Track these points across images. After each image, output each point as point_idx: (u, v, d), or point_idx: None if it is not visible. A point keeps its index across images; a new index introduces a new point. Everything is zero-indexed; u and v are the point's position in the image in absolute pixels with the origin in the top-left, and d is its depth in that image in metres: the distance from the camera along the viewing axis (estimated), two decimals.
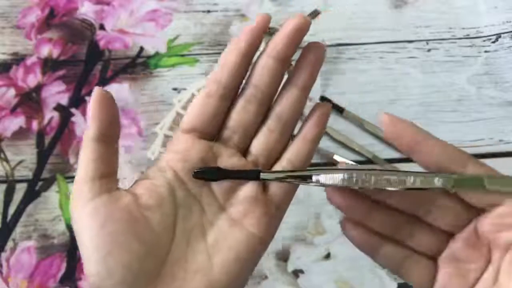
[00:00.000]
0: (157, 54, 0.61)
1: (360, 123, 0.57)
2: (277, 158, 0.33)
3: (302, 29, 0.31)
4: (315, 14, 0.63)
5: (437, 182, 0.30)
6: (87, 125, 0.30)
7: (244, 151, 0.33)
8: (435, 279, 0.32)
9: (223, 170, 0.32)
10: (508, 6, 0.63)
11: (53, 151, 0.56)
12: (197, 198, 0.32)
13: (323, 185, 0.30)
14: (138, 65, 0.61)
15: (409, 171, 0.30)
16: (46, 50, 0.61)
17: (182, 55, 0.61)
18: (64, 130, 0.57)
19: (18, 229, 0.53)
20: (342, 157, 0.55)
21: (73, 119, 0.58)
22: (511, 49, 0.61)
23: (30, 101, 0.59)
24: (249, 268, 0.32)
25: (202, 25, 0.62)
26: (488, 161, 0.57)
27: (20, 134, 0.57)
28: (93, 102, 0.30)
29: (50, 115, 0.58)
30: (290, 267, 0.52)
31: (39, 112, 0.58)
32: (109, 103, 0.31)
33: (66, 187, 0.55)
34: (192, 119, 0.32)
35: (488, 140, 0.57)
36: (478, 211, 0.31)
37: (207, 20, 0.63)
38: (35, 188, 0.55)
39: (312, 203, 0.54)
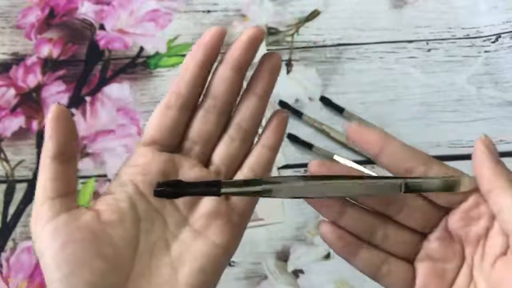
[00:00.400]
0: (157, 54, 0.61)
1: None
2: (238, 167, 0.33)
3: (257, 38, 0.32)
4: (315, 14, 0.63)
5: (388, 187, 0.30)
6: (44, 144, 0.30)
7: (206, 161, 0.33)
8: (414, 282, 0.32)
9: (184, 182, 0.32)
10: (508, 6, 0.63)
11: None
12: (159, 211, 0.32)
13: (283, 196, 0.31)
14: (138, 65, 0.61)
15: (359, 177, 0.31)
16: (46, 50, 0.61)
17: (182, 55, 0.61)
18: None
19: (18, 229, 0.53)
20: (342, 157, 0.55)
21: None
22: (511, 49, 0.61)
23: (30, 101, 0.59)
24: (213, 278, 0.32)
25: (202, 25, 0.62)
26: None
27: (20, 134, 0.57)
28: (49, 120, 0.30)
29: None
30: (290, 267, 0.52)
31: (39, 112, 0.58)
32: (67, 120, 0.30)
33: None
34: (152, 132, 0.32)
35: None
36: (447, 209, 0.32)
37: (207, 20, 0.63)
38: (35, 188, 0.55)
39: None
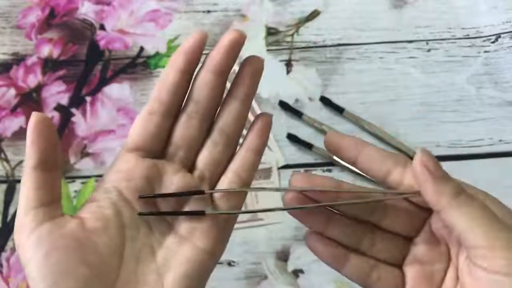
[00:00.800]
0: (157, 54, 0.61)
1: (360, 123, 0.57)
2: (223, 171, 0.33)
3: (238, 42, 0.31)
4: (315, 14, 0.63)
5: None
6: (26, 153, 0.30)
7: (190, 166, 0.33)
8: (404, 287, 0.32)
9: (165, 194, 0.32)
10: (508, 6, 0.63)
11: None
12: (144, 218, 0.32)
13: (266, 210, 0.31)
14: (138, 65, 0.61)
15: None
16: (46, 50, 0.61)
17: None
18: (64, 130, 0.57)
19: None
20: None
21: (73, 119, 0.58)
22: (511, 49, 0.61)
23: (30, 101, 0.59)
24: (199, 283, 0.32)
25: (202, 25, 0.63)
26: (488, 161, 0.57)
27: (21, 134, 0.57)
28: (31, 129, 0.30)
29: (50, 115, 0.58)
30: (290, 267, 0.52)
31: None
32: (49, 128, 0.30)
33: (67, 187, 0.55)
34: (135, 138, 0.32)
35: (488, 140, 0.57)
36: (430, 211, 0.31)
37: (207, 20, 0.63)
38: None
39: None
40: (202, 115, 0.32)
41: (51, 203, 0.30)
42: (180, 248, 0.31)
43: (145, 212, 0.31)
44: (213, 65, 0.32)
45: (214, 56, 0.32)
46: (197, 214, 0.32)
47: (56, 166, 0.31)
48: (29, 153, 0.30)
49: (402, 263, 0.32)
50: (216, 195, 0.32)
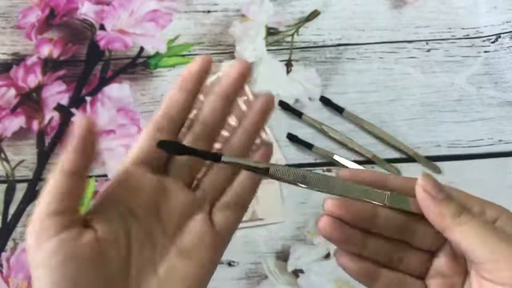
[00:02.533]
0: (157, 54, 0.61)
1: (360, 123, 0.57)
2: (224, 191, 0.35)
3: (246, 73, 0.35)
4: (315, 14, 0.63)
5: (376, 196, 0.32)
6: (63, 156, 0.29)
7: (193, 184, 0.35)
8: None
9: (185, 146, 0.32)
10: (508, 6, 0.63)
11: (53, 151, 0.56)
12: (148, 232, 0.32)
13: (279, 178, 0.32)
14: (138, 65, 0.61)
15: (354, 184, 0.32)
16: (46, 50, 0.61)
17: (182, 55, 0.61)
18: (65, 130, 0.57)
19: (19, 229, 0.53)
20: (342, 157, 0.55)
21: (73, 119, 0.58)
22: (510, 49, 0.61)
23: (30, 101, 0.59)
24: None
25: (202, 25, 0.63)
26: (488, 161, 0.57)
27: (21, 134, 0.57)
28: (77, 134, 0.30)
29: (51, 115, 0.58)
30: (290, 267, 0.52)
31: (39, 112, 0.58)
32: (92, 134, 0.30)
33: None
34: (141, 152, 0.33)
35: (488, 140, 0.57)
36: None
37: (207, 20, 0.63)
38: (36, 188, 0.55)
39: (312, 203, 0.54)
40: (208, 136, 0.34)
41: (72, 211, 0.30)
42: (180, 263, 0.32)
43: (165, 140, 0.32)
44: (223, 92, 0.34)
45: (225, 85, 0.34)
46: (213, 160, 0.32)
47: (88, 172, 0.31)
48: (67, 158, 0.30)
49: (425, 276, 0.33)
50: (218, 209, 0.34)
